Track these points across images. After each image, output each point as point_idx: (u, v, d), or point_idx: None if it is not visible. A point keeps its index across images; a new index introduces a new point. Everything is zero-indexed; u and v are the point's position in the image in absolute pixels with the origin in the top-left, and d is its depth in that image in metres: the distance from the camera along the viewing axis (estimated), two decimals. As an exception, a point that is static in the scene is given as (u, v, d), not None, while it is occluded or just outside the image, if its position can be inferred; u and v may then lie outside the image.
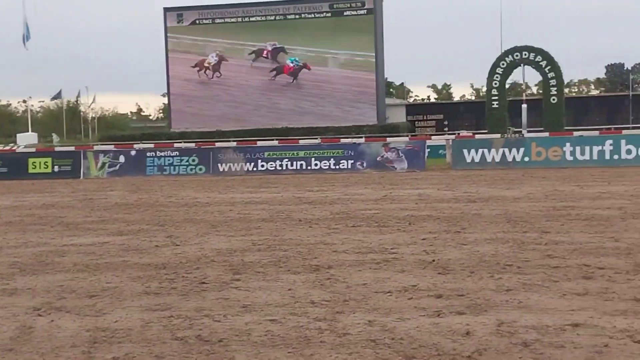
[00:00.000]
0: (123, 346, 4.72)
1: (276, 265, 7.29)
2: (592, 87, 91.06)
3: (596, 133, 27.21)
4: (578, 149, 22.66)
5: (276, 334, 4.86)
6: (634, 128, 38.06)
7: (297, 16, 44.63)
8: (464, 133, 35.50)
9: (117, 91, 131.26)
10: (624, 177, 17.39)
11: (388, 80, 68.38)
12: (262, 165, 24.29)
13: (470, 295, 5.76)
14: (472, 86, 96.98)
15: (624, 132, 28.26)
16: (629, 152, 22.29)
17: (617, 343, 4.41)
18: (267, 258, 7.72)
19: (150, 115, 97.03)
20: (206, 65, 45.44)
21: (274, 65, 44.80)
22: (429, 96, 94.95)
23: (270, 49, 44.66)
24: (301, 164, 24.07)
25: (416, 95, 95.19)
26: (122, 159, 25.57)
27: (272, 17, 44.86)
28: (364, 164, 23.71)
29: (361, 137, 33.88)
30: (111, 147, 29.09)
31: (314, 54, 44.12)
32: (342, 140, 27.54)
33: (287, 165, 24.15)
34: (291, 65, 44.27)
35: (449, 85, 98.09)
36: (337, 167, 23.79)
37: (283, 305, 5.65)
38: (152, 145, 29.32)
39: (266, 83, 44.99)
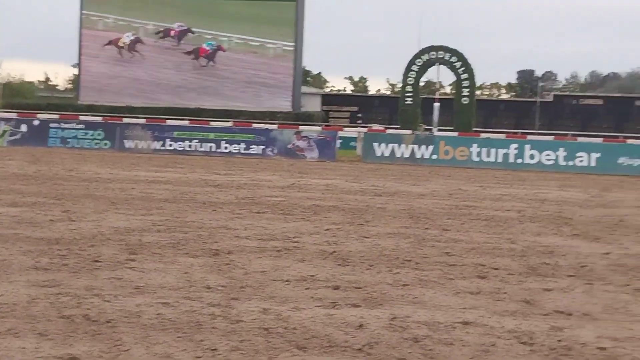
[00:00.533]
0: (6, 321, 4.53)
1: (174, 248, 7.15)
2: (504, 91, 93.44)
3: (503, 136, 27.95)
4: (484, 150, 23.22)
5: (167, 317, 4.76)
6: (539, 134, 39.27)
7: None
8: (375, 127, 35.88)
9: (26, 58, 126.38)
10: (525, 181, 17.91)
11: (305, 68, 68.35)
12: (170, 145, 23.88)
13: (367, 288, 5.78)
14: (388, 81, 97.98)
15: (529, 137, 29.13)
16: (532, 157, 22.98)
17: (504, 343, 4.49)
18: (166, 239, 7.56)
19: (58, 85, 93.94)
20: (121, 45, 44.29)
21: (188, 46, 44.02)
22: (345, 87, 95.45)
23: (177, 30, 43.89)
24: (211, 146, 23.78)
25: (332, 86, 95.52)
26: (24, 128, 24.67)
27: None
28: (275, 151, 23.63)
29: (275, 124, 33.75)
30: (14, 115, 27.95)
31: (233, 38, 43.62)
32: (254, 125, 27.34)
33: (196, 146, 23.82)
34: (207, 48, 43.67)
35: (366, 78, 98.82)
36: (248, 151, 23.62)
37: (177, 289, 5.54)
38: (57, 116, 28.33)
39: (182, 64, 44.19)
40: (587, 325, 4.96)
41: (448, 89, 71.39)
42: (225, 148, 23.74)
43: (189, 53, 44.17)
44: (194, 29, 43.81)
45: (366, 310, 5.11)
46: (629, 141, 27.21)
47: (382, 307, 5.23)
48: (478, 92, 59.01)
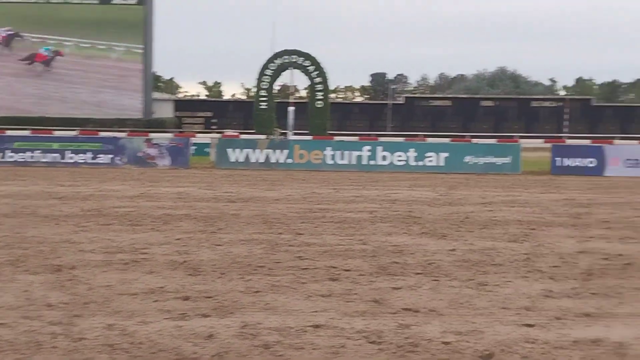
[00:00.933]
0: None
1: (13, 265, 6.74)
2: (357, 94, 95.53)
3: (356, 139, 28.52)
4: (338, 153, 23.57)
5: (4, 338, 4.51)
6: (391, 135, 40.46)
7: (62, 2, 42.37)
8: (229, 132, 35.70)
9: None
10: (377, 182, 18.32)
11: (157, 74, 67.08)
12: (11, 156, 22.65)
13: (218, 297, 5.68)
14: (243, 86, 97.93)
15: (381, 139, 29.90)
16: (384, 158, 23.56)
17: (353, 344, 4.53)
18: (4, 257, 7.12)
19: None
20: None
21: (24, 52, 42.20)
22: (199, 93, 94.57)
23: (4, 35, 42.00)
24: (55, 157, 22.75)
25: (186, 91, 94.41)
26: None
27: (34, 1, 42.20)
28: (124, 159, 22.93)
29: (124, 131, 32.86)
30: None
31: (78, 42, 42.13)
32: (102, 134, 26.43)
33: (39, 157, 22.70)
34: (44, 53, 41.96)
35: (220, 83, 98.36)
36: (95, 161, 22.78)
37: (16, 308, 5.24)
38: None
39: (21, 71, 42.25)
40: (433, 321, 5.08)
41: (303, 93, 72.28)
42: (71, 158, 22.78)
43: (24, 59, 42.34)
44: (27, 34, 42.05)
45: (216, 320, 5.02)
46: (474, 140, 28.52)
47: (233, 315, 5.15)
48: (332, 96, 60.09)
